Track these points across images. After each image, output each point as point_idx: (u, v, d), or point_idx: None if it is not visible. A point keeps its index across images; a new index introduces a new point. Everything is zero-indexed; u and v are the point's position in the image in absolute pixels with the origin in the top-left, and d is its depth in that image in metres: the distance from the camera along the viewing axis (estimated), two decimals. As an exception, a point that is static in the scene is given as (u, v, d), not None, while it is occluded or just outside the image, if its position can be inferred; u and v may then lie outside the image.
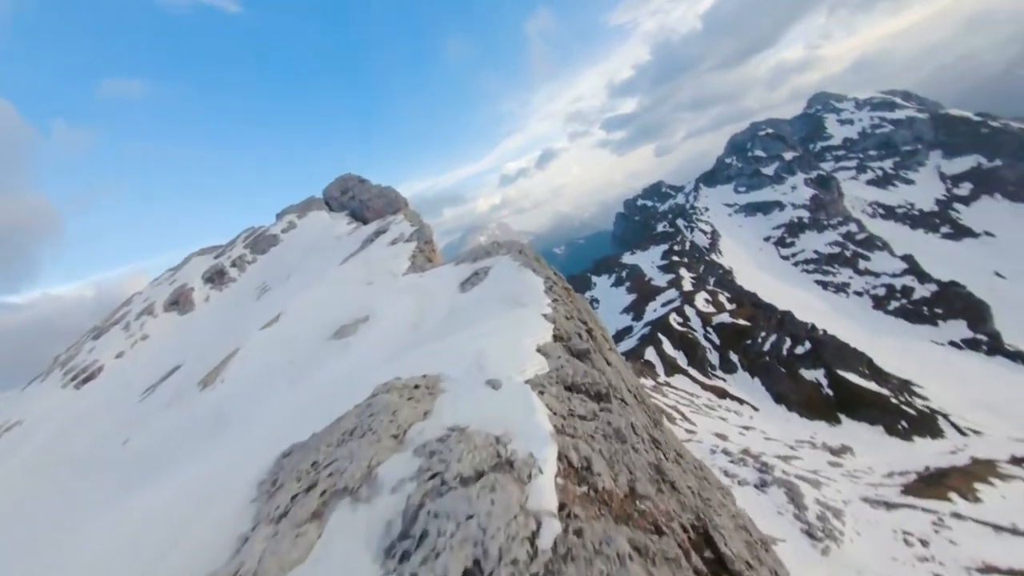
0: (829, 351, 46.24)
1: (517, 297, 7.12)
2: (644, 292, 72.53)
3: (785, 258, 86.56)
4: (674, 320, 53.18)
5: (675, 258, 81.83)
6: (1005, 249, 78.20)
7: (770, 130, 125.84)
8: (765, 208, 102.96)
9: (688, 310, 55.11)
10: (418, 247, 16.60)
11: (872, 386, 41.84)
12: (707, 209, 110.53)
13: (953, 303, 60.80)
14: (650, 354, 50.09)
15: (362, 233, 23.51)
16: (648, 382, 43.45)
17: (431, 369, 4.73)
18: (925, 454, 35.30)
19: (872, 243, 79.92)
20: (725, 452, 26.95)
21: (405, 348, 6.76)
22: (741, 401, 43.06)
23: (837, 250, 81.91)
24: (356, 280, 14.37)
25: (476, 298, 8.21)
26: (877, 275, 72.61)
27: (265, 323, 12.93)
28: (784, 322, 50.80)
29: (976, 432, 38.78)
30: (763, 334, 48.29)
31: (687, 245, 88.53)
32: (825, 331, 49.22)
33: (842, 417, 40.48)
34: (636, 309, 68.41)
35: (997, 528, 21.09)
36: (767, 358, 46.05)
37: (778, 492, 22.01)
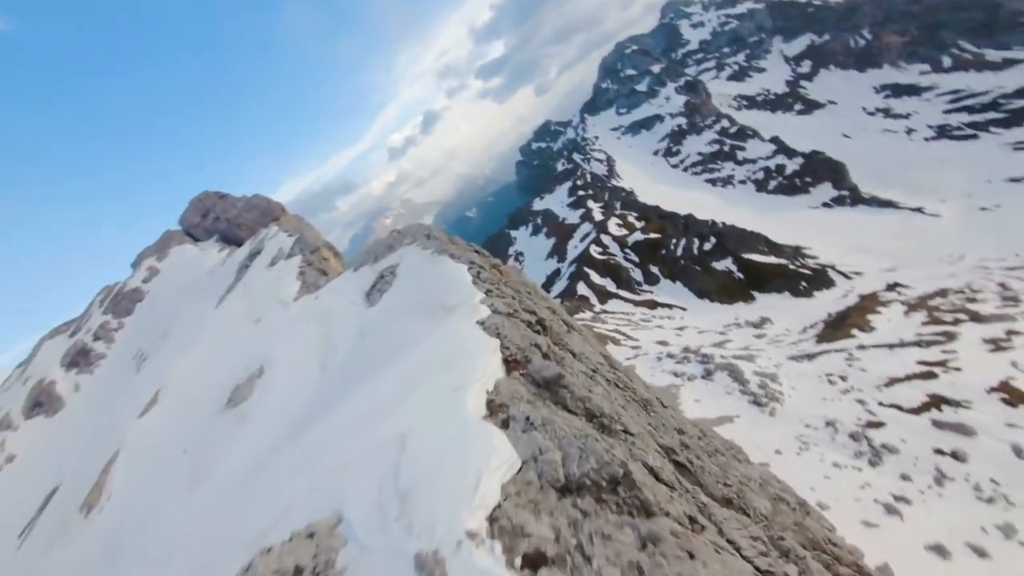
0: (731, 240, 50.91)
1: (440, 299, 5.63)
2: (561, 233, 74.04)
3: (675, 166, 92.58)
4: (594, 251, 55.05)
5: (580, 193, 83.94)
6: (845, 113, 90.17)
7: (634, 47, 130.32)
8: (647, 124, 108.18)
9: (604, 238, 57.27)
10: (304, 260, 14.08)
11: (772, 260, 47.05)
12: (597, 138, 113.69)
13: (817, 170, 69.49)
14: (582, 289, 51.68)
15: (235, 259, 20.10)
16: (586, 315, 44.94)
17: (327, 494, 2.99)
18: (825, 304, 40.81)
19: (744, 134, 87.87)
20: (670, 356, 28.71)
21: (311, 409, 5.15)
22: (670, 306, 46.36)
23: (716, 147, 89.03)
24: (241, 321, 11.93)
25: (388, 311, 6.59)
26: (754, 161, 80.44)
27: (143, 408, 10.47)
28: (689, 225, 54.75)
29: (857, 274, 45.52)
30: (673, 241, 51.79)
31: (588, 177, 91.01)
32: (724, 223, 53.92)
33: (755, 294, 45.28)
34: (558, 251, 69.87)
35: (891, 346, 24.94)
36: (682, 261, 49.72)
37: (722, 376, 23.92)
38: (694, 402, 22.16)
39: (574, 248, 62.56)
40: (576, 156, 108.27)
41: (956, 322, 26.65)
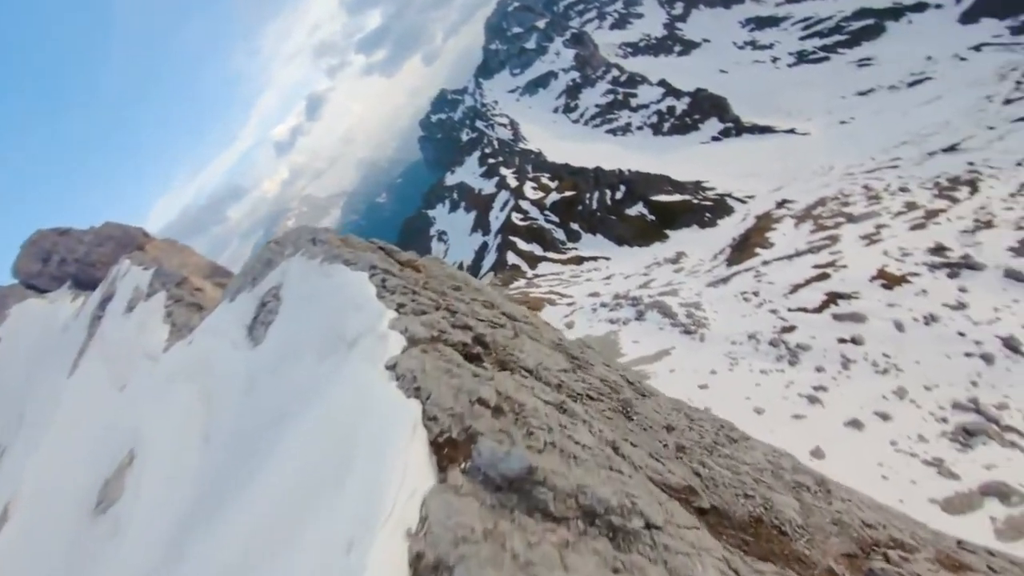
0: (639, 185, 53.46)
1: (338, 327, 4.20)
2: (480, 205, 73.01)
3: (575, 121, 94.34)
4: (516, 219, 55.09)
5: (491, 161, 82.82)
6: (719, 49, 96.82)
7: (516, 3, 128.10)
8: (542, 82, 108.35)
9: (523, 204, 57.41)
10: (170, 296, 11.18)
11: (677, 198, 50.26)
12: (496, 102, 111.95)
13: (703, 106, 74.50)
14: (511, 258, 51.73)
15: (86, 310, 16.50)
16: (520, 282, 45.20)
17: None
18: (728, 230, 44.56)
19: (634, 80, 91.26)
20: (603, 305, 29.75)
21: (194, 509, 3.72)
22: (595, 259, 48.09)
23: (611, 97, 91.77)
24: (102, 390, 9.42)
25: (277, 350, 4.97)
26: (647, 106, 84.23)
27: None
28: (598, 178, 56.49)
29: (750, 197, 50.12)
30: (588, 196, 53.28)
31: (495, 144, 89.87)
32: (629, 170, 56.33)
33: (668, 233, 48.34)
34: (481, 224, 69.03)
35: (789, 257, 27.82)
36: (598, 214, 51.49)
37: (653, 314, 25.21)
38: (632, 343, 23.21)
39: (496, 219, 62.12)
40: (479, 123, 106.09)
41: (836, 225, 30.34)
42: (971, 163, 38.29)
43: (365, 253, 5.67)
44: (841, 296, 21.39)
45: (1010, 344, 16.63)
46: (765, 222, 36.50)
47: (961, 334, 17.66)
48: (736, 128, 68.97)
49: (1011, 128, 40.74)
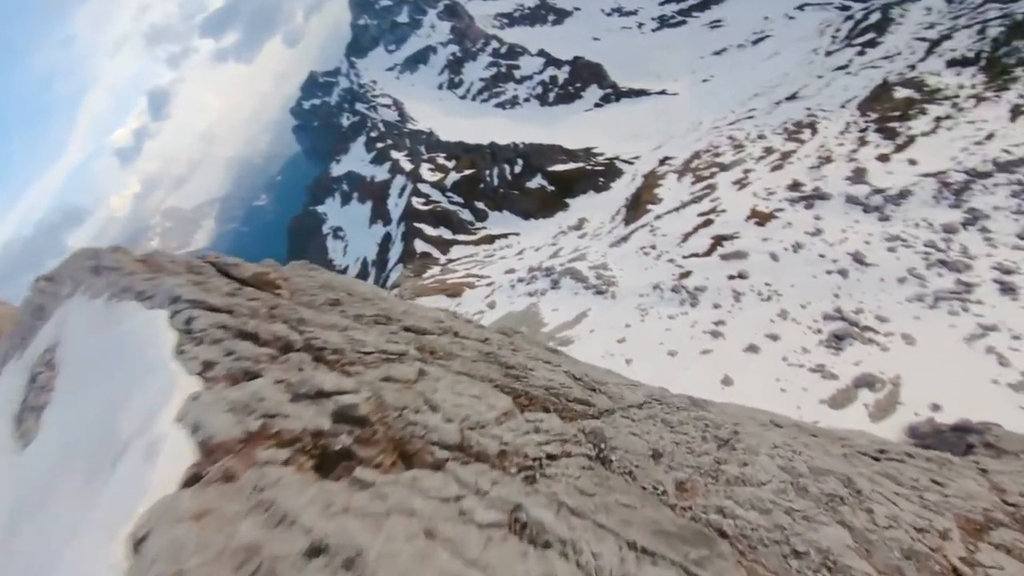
0: (535, 157, 54.35)
1: (112, 423, 2.22)
2: (375, 194, 68.99)
3: (463, 97, 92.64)
4: (417, 204, 52.97)
5: (379, 145, 78.28)
6: (589, 17, 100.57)
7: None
8: (422, 58, 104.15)
9: (422, 187, 55.31)
10: None
11: (571, 166, 52.07)
12: (375, 82, 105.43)
13: (583, 74, 77.37)
14: (420, 246, 49.86)
15: None
16: (434, 270, 43.82)
17: None
18: (621, 192, 47.30)
19: (514, 52, 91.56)
20: (520, 280, 29.96)
21: None
22: (505, 235, 48.30)
23: (494, 70, 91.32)
24: None
25: (48, 467, 2.57)
26: (530, 77, 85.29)
27: None
28: (495, 153, 56.30)
29: (636, 158, 53.58)
30: (487, 172, 52.95)
31: (381, 127, 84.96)
32: (524, 143, 56.91)
33: (568, 201, 50.05)
34: (380, 214, 65.36)
35: (677, 209, 30.21)
36: (501, 190, 51.56)
37: (566, 280, 25.92)
38: (552, 312, 23.71)
39: (395, 206, 59.19)
40: (360, 106, 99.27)
41: (711, 175, 33.54)
42: (808, 108, 44.60)
43: (169, 279, 3.75)
44: (725, 238, 23.75)
45: (858, 258, 19.81)
46: (651, 180, 39.27)
47: (821, 256, 20.61)
48: (615, 93, 72.85)
49: (834, 76, 48.14)
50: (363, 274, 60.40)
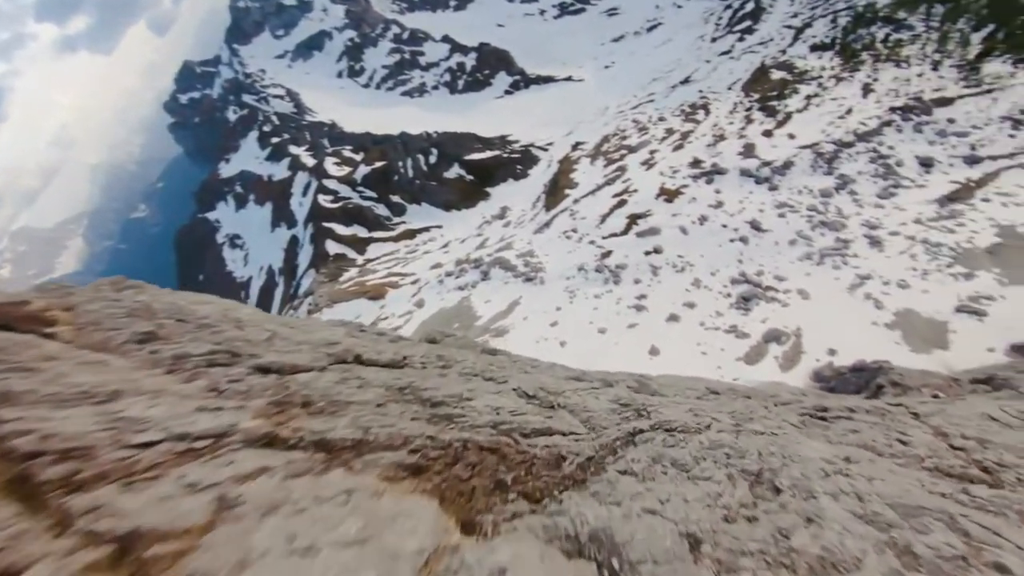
0: (450, 146, 53.27)
1: None
2: (275, 194, 63.32)
3: (366, 85, 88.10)
4: (324, 202, 49.43)
5: (275, 140, 71.85)
6: (491, 3, 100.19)
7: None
8: (316, 44, 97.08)
9: (329, 183, 51.68)
10: None
11: (488, 154, 51.82)
12: (264, 71, 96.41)
13: (490, 61, 77.09)
14: (332, 247, 46.67)
15: None
16: (352, 272, 41.29)
17: None
18: (539, 178, 48.03)
19: (417, 37, 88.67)
20: (448, 274, 29.20)
21: None
22: (427, 229, 46.89)
23: (397, 56, 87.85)
24: None
25: None
26: (437, 64, 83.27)
27: None
28: (406, 144, 54.25)
29: (550, 144, 54.68)
30: (400, 164, 50.86)
31: (275, 120, 77.99)
32: (436, 132, 55.48)
33: (488, 190, 49.82)
34: (283, 216, 60.13)
35: (593, 192, 31.22)
36: (417, 182, 49.85)
37: (496, 271, 25.70)
38: (485, 304, 23.39)
39: (300, 206, 54.76)
40: (248, 98, 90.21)
41: (621, 157, 35.14)
42: (701, 91, 48.41)
43: None
44: (639, 216, 24.98)
45: (755, 225, 21.82)
46: (566, 165, 40.31)
47: (724, 226, 22.42)
48: (524, 80, 73.62)
49: (720, 60, 52.66)
50: (270, 284, 55.46)
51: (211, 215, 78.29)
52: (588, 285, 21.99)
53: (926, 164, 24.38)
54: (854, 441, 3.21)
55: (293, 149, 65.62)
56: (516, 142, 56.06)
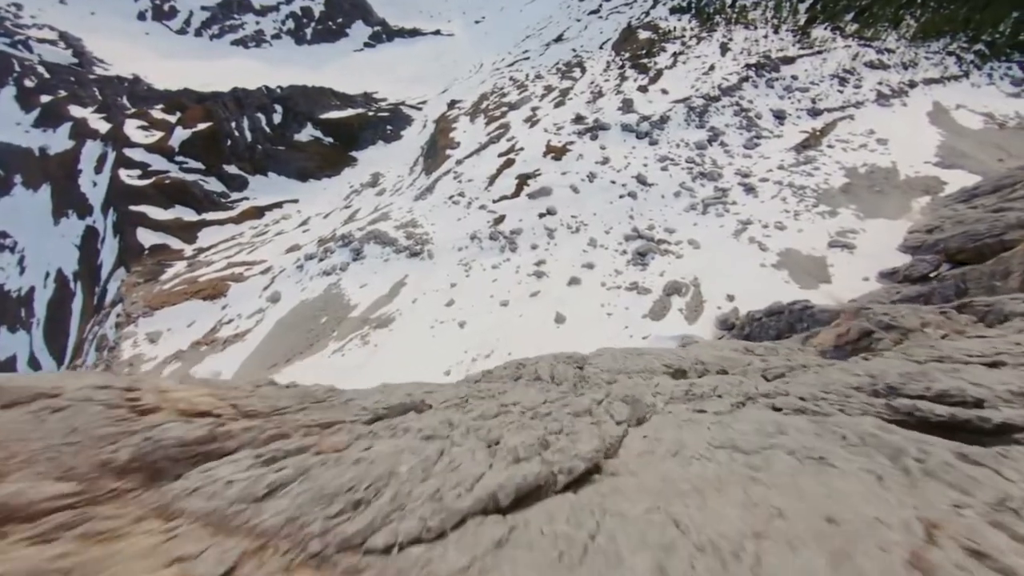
0: (300, 103, 46.81)
1: None
2: (54, 172, 49.55)
3: (182, 32, 73.46)
4: (128, 177, 39.76)
5: (45, 100, 55.93)
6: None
7: None
8: (98, -28, 77.54)
9: (133, 154, 41.64)
10: None
11: (349, 112, 46.78)
12: (20, 7, 74.49)
13: (343, 7, 69.42)
14: (147, 237, 38.01)
15: None
16: (178, 266, 34.15)
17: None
18: (414, 140, 44.92)
19: (244, -27, 75.88)
20: (309, 257, 25.46)
21: None
22: (279, 204, 40.88)
23: (221, -4, 74.54)
24: None
25: None
26: (275, 8, 72.57)
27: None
28: (241, 101, 46.21)
29: (423, 103, 51.42)
30: (232, 125, 43.04)
31: (42, 72, 60.75)
32: (279, 87, 48.32)
33: (354, 155, 45.13)
34: (70, 201, 47.43)
35: (477, 152, 29.68)
36: (259, 147, 42.81)
37: (371, 247, 22.98)
38: (360, 289, 20.66)
39: (93, 186, 43.53)
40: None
41: (503, 115, 34.02)
42: (574, 49, 49.36)
43: None
44: (528, 176, 24.19)
45: (641, 180, 22.44)
46: (444, 124, 38.02)
47: (613, 182, 22.71)
48: (385, 32, 68.03)
49: (590, 19, 54.16)
50: (62, 295, 43.86)
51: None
52: (484, 255, 20.65)
53: (779, 116, 27.60)
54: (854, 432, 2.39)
55: (75, 111, 51.78)
56: (383, 100, 51.61)
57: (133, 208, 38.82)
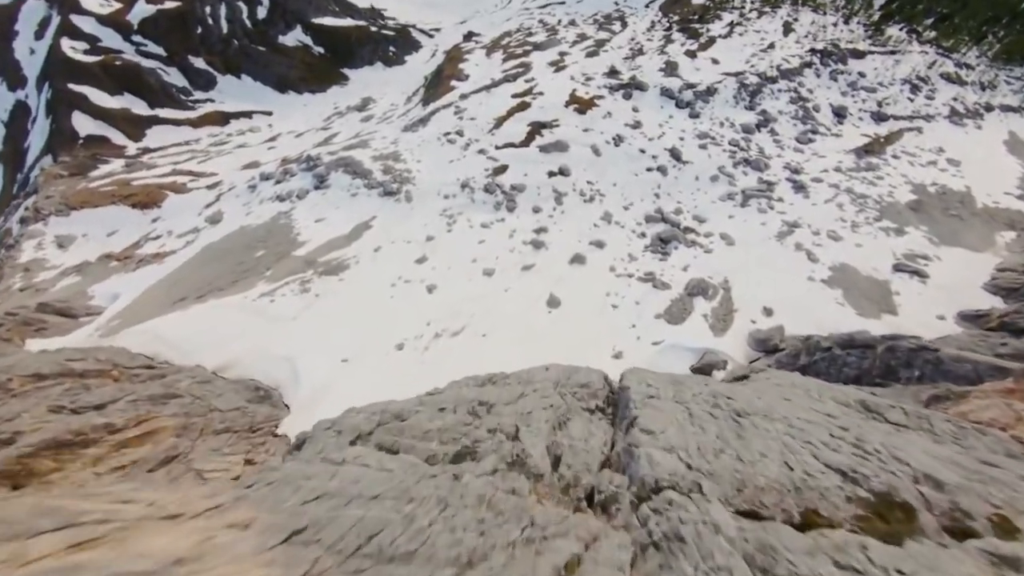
0: (292, 0, 42.36)
1: None
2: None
3: None
4: (71, 50, 35.31)
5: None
6: None
7: None
8: None
9: (82, 23, 36.99)
10: None
11: (349, 23, 42.63)
12: None
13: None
14: (84, 124, 34.06)
15: None
16: (115, 164, 30.64)
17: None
18: (419, 68, 41.36)
19: None
20: (265, 177, 22.60)
21: None
22: (249, 114, 37.18)
23: None
24: None
25: None
26: None
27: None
28: (226, -14, 41.51)
29: (436, 30, 47.50)
30: (207, 10, 38.57)
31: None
32: (274, -21, 43.66)
33: (347, 72, 41.33)
34: (2, 69, 42.58)
35: (487, 88, 26.74)
36: (234, 41, 38.57)
37: (338, 176, 20.28)
38: (315, 223, 17.97)
39: (30, 54, 38.81)
40: None
41: (525, 53, 30.90)
42: (617, 3, 45.85)
43: None
44: (544, 125, 21.51)
45: (674, 154, 19.99)
46: (455, 53, 34.58)
47: (642, 151, 20.24)
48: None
49: (638, -31, 50.19)
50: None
51: None
52: (474, 209, 18.10)
53: (839, 114, 25.23)
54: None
55: (25, -40, 46.15)
56: (392, 19, 47.38)
57: (73, 87, 34.67)
